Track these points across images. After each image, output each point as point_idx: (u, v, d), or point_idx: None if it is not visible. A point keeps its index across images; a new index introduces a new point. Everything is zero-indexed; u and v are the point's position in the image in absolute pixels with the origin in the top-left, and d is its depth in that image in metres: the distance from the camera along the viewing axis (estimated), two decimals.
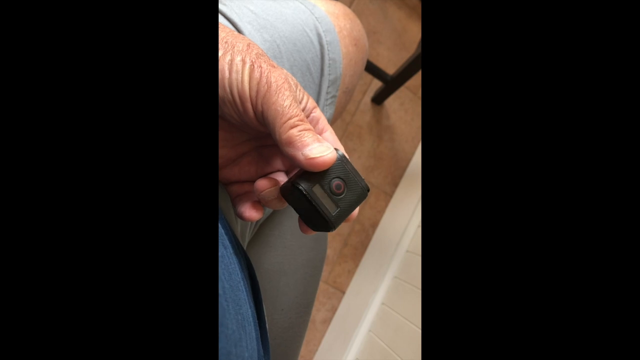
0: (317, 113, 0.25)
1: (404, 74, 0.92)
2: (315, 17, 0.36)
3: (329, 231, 0.23)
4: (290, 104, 0.21)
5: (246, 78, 0.21)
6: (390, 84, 0.98)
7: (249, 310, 0.23)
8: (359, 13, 1.06)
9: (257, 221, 0.38)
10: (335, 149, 0.23)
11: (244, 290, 0.23)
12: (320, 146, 0.21)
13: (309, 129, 0.22)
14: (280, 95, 0.21)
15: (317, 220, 0.23)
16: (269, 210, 0.39)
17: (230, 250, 0.24)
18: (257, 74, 0.21)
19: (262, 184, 0.25)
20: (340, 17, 0.38)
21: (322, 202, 0.22)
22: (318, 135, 0.22)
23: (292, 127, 0.21)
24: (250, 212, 0.26)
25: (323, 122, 0.25)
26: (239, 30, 0.31)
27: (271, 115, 0.21)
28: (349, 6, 1.05)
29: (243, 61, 0.22)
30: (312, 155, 0.21)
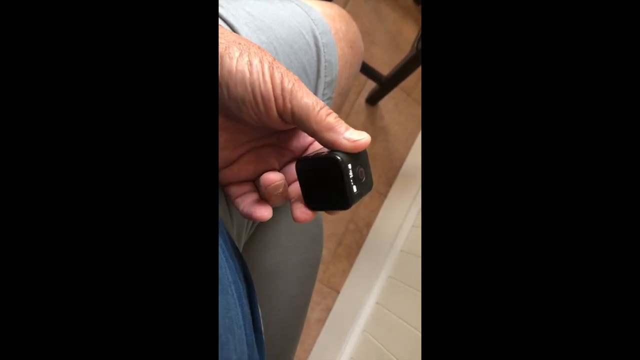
0: None
1: (398, 75, 0.93)
2: (312, 19, 0.36)
3: (342, 209, 0.25)
4: (315, 99, 0.23)
5: (268, 78, 0.22)
6: (385, 85, 0.98)
7: (239, 313, 0.24)
8: (353, 14, 1.06)
9: (253, 222, 0.38)
10: None
11: (233, 293, 0.24)
12: (355, 131, 0.23)
13: (339, 117, 0.23)
14: (304, 89, 0.23)
15: (335, 195, 0.24)
16: None
17: (220, 254, 0.24)
18: (277, 74, 0.22)
19: (269, 177, 0.25)
20: (336, 19, 0.39)
21: (350, 181, 0.24)
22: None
23: (328, 115, 0.23)
24: (262, 212, 0.26)
25: None
26: (235, 32, 0.31)
27: (303, 109, 0.23)
28: (344, 7, 1.05)
29: (261, 62, 0.22)
30: (355, 138, 0.23)
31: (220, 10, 0.32)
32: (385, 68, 1.01)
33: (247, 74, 0.22)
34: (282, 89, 0.22)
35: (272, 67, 0.23)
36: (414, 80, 1.14)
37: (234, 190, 0.28)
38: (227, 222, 0.32)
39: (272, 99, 0.23)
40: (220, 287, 0.22)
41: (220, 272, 0.23)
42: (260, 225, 0.41)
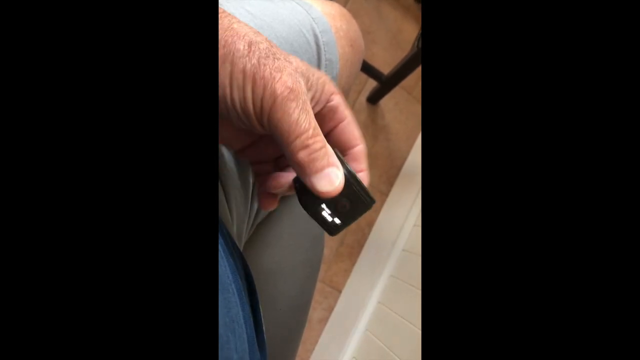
0: (336, 100, 0.24)
1: (399, 73, 0.93)
2: (312, 18, 0.36)
3: (330, 235, 0.24)
4: (298, 118, 0.20)
5: (249, 94, 0.20)
6: (385, 83, 0.98)
7: (240, 312, 0.23)
8: (353, 13, 1.06)
9: (254, 220, 0.38)
10: (344, 164, 0.23)
11: (234, 292, 0.23)
12: (328, 175, 0.21)
13: (319, 149, 0.21)
14: (286, 109, 0.20)
15: (319, 225, 0.24)
16: (267, 210, 0.39)
17: (220, 252, 0.24)
18: (259, 89, 0.20)
19: (275, 183, 0.26)
20: (336, 17, 0.38)
21: (326, 217, 0.23)
22: (329, 153, 0.21)
23: (301, 149, 0.21)
24: (269, 204, 0.27)
25: (342, 110, 0.24)
26: None
27: (278, 133, 0.21)
28: (344, 6, 1.05)
29: (243, 72, 0.20)
30: (319, 189, 0.21)
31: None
32: (386, 67, 1.00)
33: (228, 89, 0.20)
34: (262, 107, 0.20)
35: (256, 78, 0.20)
36: (415, 78, 1.14)
37: (256, 168, 0.28)
38: (227, 221, 0.32)
39: (253, 115, 0.21)
40: (220, 285, 0.22)
41: (220, 270, 0.23)
42: (261, 225, 0.41)
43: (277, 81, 0.20)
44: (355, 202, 0.23)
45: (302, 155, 0.21)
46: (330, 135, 0.25)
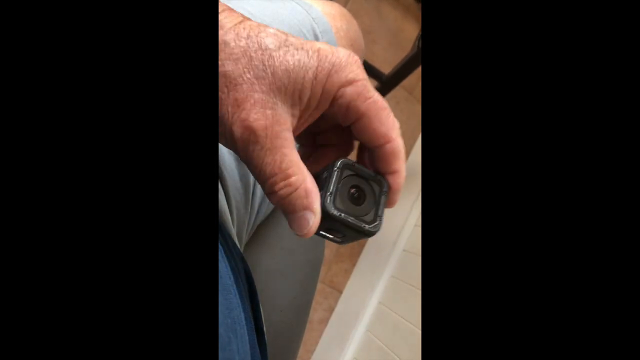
0: (347, 96, 0.20)
1: (400, 73, 0.93)
2: (312, 18, 0.36)
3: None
4: (262, 163, 0.19)
5: (237, 137, 0.19)
6: (386, 83, 0.98)
7: (242, 313, 0.23)
8: (354, 13, 1.06)
9: (255, 221, 0.38)
10: (327, 195, 0.20)
11: (235, 293, 0.23)
12: (299, 219, 0.19)
13: (287, 195, 0.19)
14: (247, 154, 0.19)
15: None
16: (267, 211, 0.39)
17: (221, 253, 0.24)
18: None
19: None
20: (336, 17, 0.38)
21: (325, 235, 0.22)
22: (303, 194, 0.19)
23: (269, 194, 0.19)
24: None
25: (356, 107, 0.20)
26: None
27: (256, 178, 0.20)
28: (344, 6, 1.05)
29: (231, 111, 0.19)
30: (293, 230, 0.20)
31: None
32: (386, 66, 1.00)
33: None
34: (230, 147, 0.20)
35: (239, 122, 0.18)
36: (416, 78, 1.14)
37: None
38: (227, 222, 0.32)
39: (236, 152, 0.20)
40: (221, 287, 0.22)
41: (221, 272, 0.22)
42: (262, 225, 0.41)
43: (235, 121, 0.18)
44: (346, 232, 0.21)
45: (272, 199, 0.20)
46: (352, 132, 0.22)
